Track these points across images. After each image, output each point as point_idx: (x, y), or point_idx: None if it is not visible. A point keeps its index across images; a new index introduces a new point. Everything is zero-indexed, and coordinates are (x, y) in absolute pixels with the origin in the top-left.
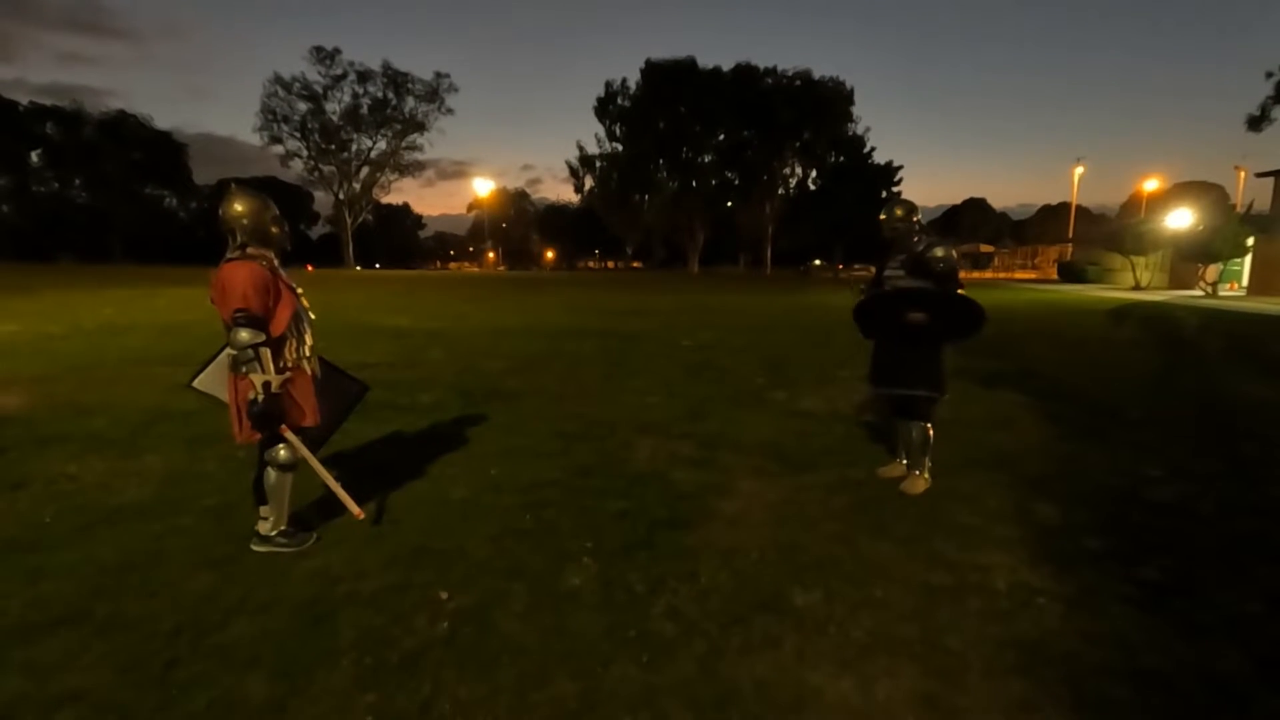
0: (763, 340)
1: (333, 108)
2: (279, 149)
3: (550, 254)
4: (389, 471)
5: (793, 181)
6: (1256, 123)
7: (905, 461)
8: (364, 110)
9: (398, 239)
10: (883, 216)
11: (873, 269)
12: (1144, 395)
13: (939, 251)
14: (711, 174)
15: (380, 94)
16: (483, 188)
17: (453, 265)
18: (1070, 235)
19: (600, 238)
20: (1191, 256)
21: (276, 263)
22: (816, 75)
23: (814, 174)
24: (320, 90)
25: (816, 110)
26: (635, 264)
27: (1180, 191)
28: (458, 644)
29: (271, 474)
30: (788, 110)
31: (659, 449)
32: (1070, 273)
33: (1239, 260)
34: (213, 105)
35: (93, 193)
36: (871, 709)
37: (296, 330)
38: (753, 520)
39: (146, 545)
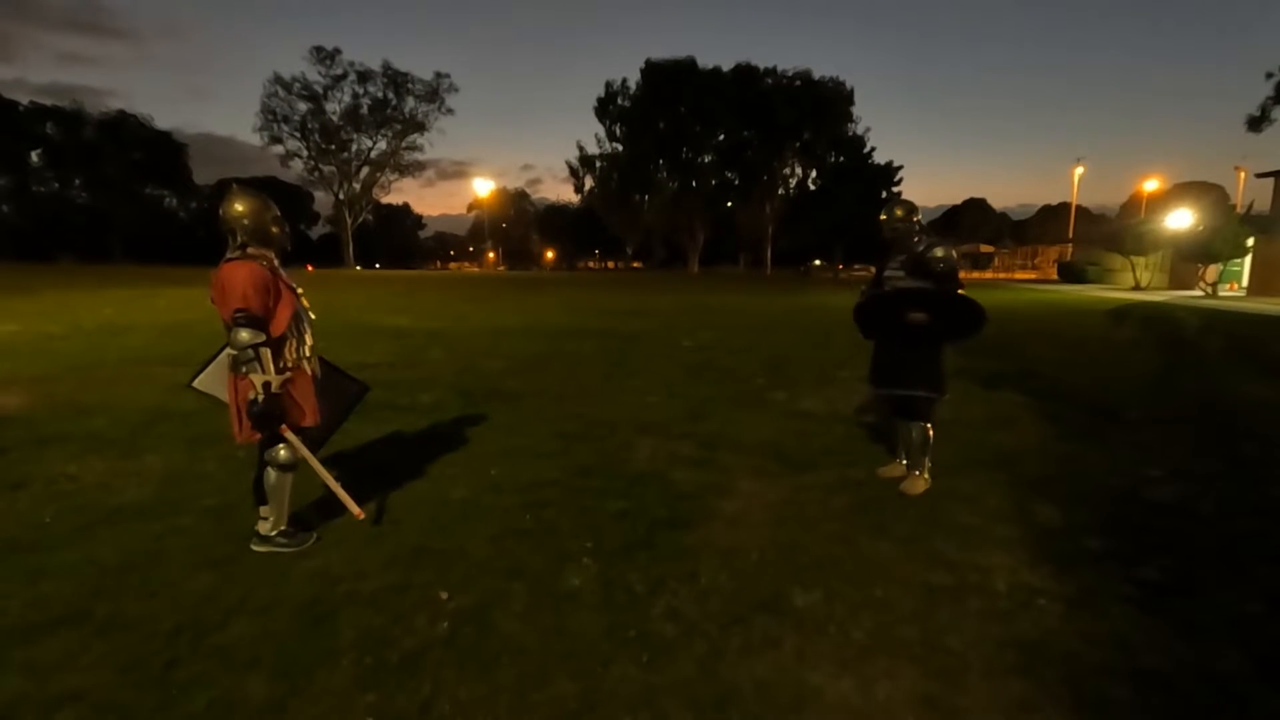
0: (763, 340)
1: (333, 108)
2: (279, 149)
3: (550, 254)
4: (389, 471)
5: (793, 181)
6: (1256, 123)
7: (905, 462)
8: (364, 110)
9: (398, 239)
10: (883, 217)
11: (873, 269)
12: (1144, 395)
13: (939, 252)
14: (711, 174)
15: (380, 94)
16: (483, 188)
17: (453, 265)
18: (1070, 235)
19: (600, 238)
20: (1191, 257)
21: (277, 263)
22: (816, 75)
23: (814, 174)
24: (320, 90)
25: (816, 110)
26: (635, 264)
27: (1180, 192)
28: (458, 644)
29: (271, 474)
30: (788, 110)
31: (659, 449)
32: (1070, 273)
33: (1239, 261)
34: (213, 105)
35: (93, 193)
36: (871, 709)
37: (297, 330)
38: (753, 520)
39: (146, 545)
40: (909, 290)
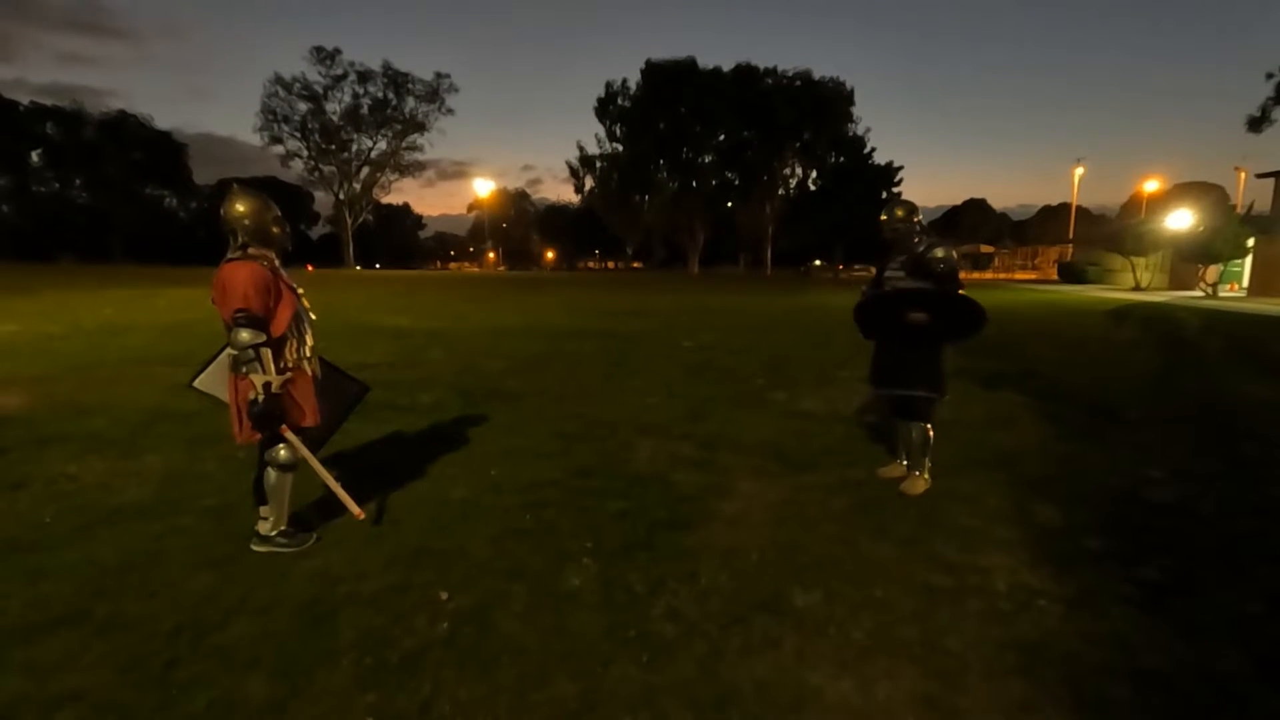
0: (763, 341)
1: (333, 108)
2: (279, 149)
3: (550, 254)
4: (389, 472)
5: (793, 182)
6: (1257, 124)
7: (905, 462)
8: (364, 110)
9: (398, 239)
10: (883, 217)
11: (873, 269)
12: (1144, 396)
13: (939, 252)
14: (712, 174)
15: (380, 94)
16: (483, 188)
17: (453, 265)
18: (1070, 236)
19: (600, 238)
20: (1192, 257)
21: (277, 263)
22: (817, 75)
23: (814, 174)
24: (320, 90)
25: (817, 110)
26: (635, 264)
27: (1180, 192)
28: (458, 644)
29: (272, 474)
30: (788, 110)
31: (659, 449)
32: (1070, 273)
33: (1239, 261)
34: (213, 105)
35: (93, 193)
36: (871, 710)
37: (297, 330)
38: (753, 521)
39: (146, 545)
40: (909, 290)
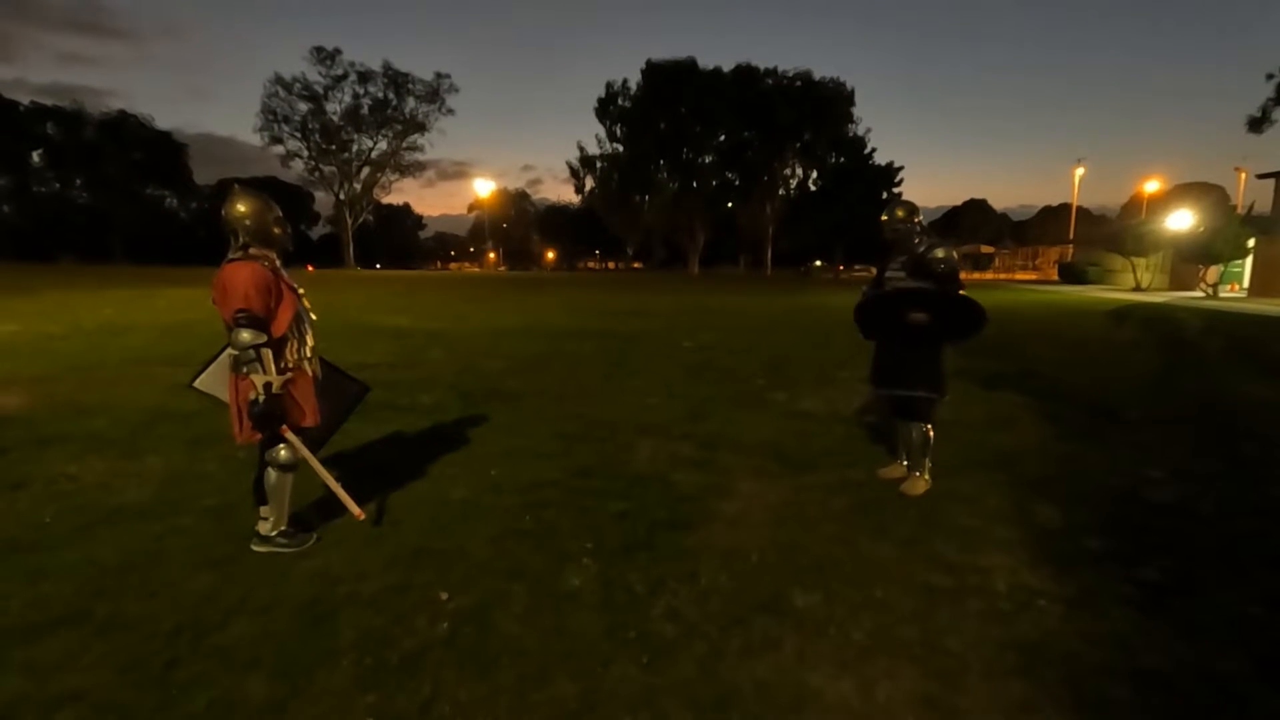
0: (763, 341)
1: (333, 108)
2: (279, 149)
3: (551, 254)
4: (389, 472)
5: (793, 182)
6: (1257, 124)
7: (905, 462)
8: (364, 110)
9: (398, 239)
10: (884, 218)
11: (873, 270)
12: (1144, 396)
13: (940, 252)
14: (712, 174)
15: (381, 94)
16: (483, 188)
17: (453, 266)
18: (1071, 236)
19: (601, 238)
20: (1192, 258)
21: (278, 263)
22: (817, 76)
23: (814, 175)
24: (321, 90)
25: (817, 111)
26: (635, 264)
27: (1181, 193)
28: (458, 645)
29: (272, 474)
30: (788, 111)
31: (659, 450)
32: (1071, 274)
33: (1240, 261)
34: (213, 105)
35: (93, 193)
36: (872, 710)
37: (298, 331)
38: (753, 521)
39: (146, 545)
40: (910, 290)
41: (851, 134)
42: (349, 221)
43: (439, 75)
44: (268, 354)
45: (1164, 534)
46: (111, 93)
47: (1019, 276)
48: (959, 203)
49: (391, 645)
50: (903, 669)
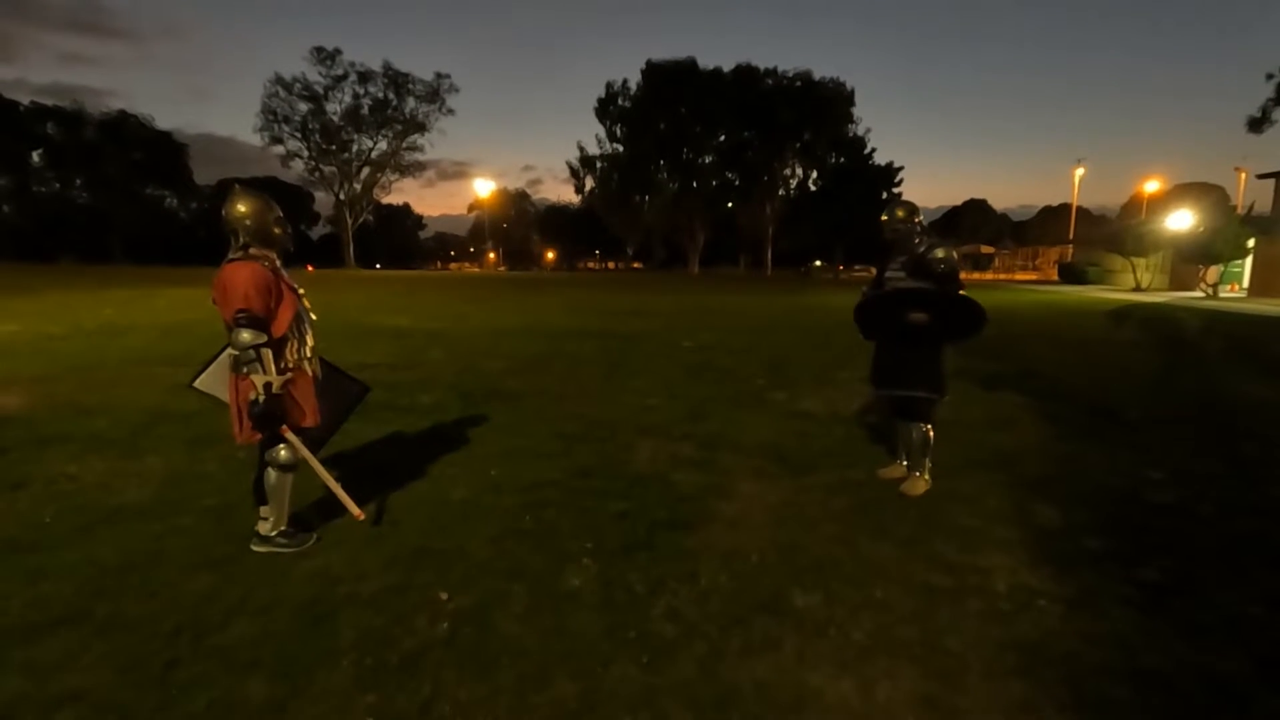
0: (763, 341)
1: (333, 108)
2: (280, 149)
3: (551, 254)
4: (389, 472)
5: (793, 182)
6: (1257, 124)
7: (905, 463)
8: (365, 110)
9: (398, 239)
10: (884, 218)
11: (873, 270)
12: (1144, 396)
13: (940, 253)
14: (712, 175)
15: (381, 94)
16: (483, 188)
17: (453, 266)
18: (1071, 236)
19: (601, 238)
20: (1192, 258)
21: (279, 263)
22: (817, 76)
23: (814, 175)
24: (321, 91)
25: (817, 111)
26: (635, 265)
27: (1181, 193)
28: (458, 645)
29: (272, 474)
30: (788, 111)
31: (659, 450)
32: (1071, 274)
33: (1240, 262)
34: (213, 106)
35: (93, 193)
36: (872, 710)
37: (298, 331)
38: (753, 522)
39: (146, 545)
40: (910, 290)
41: (851, 134)
42: (349, 221)
43: (439, 75)
44: (268, 354)
45: (1164, 534)
46: (111, 93)
47: (1019, 277)
48: (959, 203)
49: (391, 645)
50: (903, 669)
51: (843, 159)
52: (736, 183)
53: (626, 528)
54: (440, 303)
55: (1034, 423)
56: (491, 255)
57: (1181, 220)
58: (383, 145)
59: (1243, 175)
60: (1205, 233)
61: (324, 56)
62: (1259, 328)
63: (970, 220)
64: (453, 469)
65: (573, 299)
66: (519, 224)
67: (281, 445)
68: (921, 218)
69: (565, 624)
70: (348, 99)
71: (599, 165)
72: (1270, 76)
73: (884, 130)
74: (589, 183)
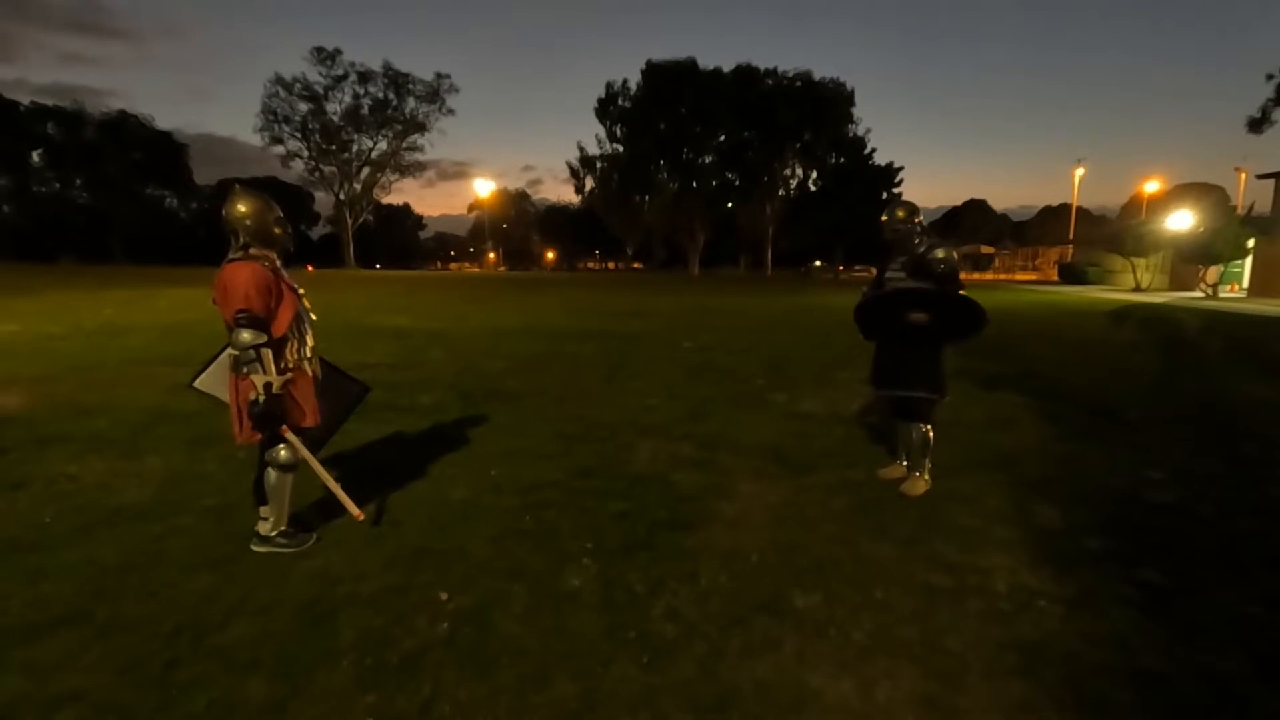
0: (763, 342)
1: (333, 108)
2: (280, 149)
3: (551, 255)
4: (389, 472)
5: (793, 183)
6: (1257, 124)
7: (905, 463)
8: (365, 111)
9: (398, 239)
10: (884, 218)
11: (873, 270)
12: (1144, 396)
13: (940, 253)
14: (712, 175)
15: (381, 94)
16: (483, 188)
17: (453, 266)
18: (1071, 237)
19: (600, 238)
20: (1192, 258)
21: (279, 263)
22: (817, 76)
23: (814, 175)
24: (321, 91)
25: (817, 111)
26: (635, 265)
27: (1181, 193)
28: (458, 645)
29: (272, 474)
30: (788, 111)
31: (659, 450)
32: (1071, 274)
33: (1239, 262)
34: (213, 106)
35: (93, 193)
36: (872, 710)
37: (298, 331)
38: (753, 522)
39: (146, 546)
40: (910, 290)
41: (851, 134)
42: (349, 221)
43: (439, 75)
44: (268, 354)
45: (1164, 534)
46: (112, 93)
47: (1019, 277)
48: (959, 203)
49: (391, 645)
50: (903, 669)
51: (843, 159)
52: (736, 183)
53: (626, 528)
54: (440, 303)
55: (1034, 423)
56: (491, 255)
57: (1181, 220)
58: (383, 145)
59: (1242, 175)
60: (1205, 233)
61: (324, 57)
62: (1259, 328)
63: (970, 220)
64: (453, 469)
65: (573, 299)
66: (519, 224)
67: (281, 445)
68: (921, 218)
69: (565, 624)
70: (348, 99)
71: (599, 165)
72: (1270, 77)
73: (884, 130)
74: (589, 183)
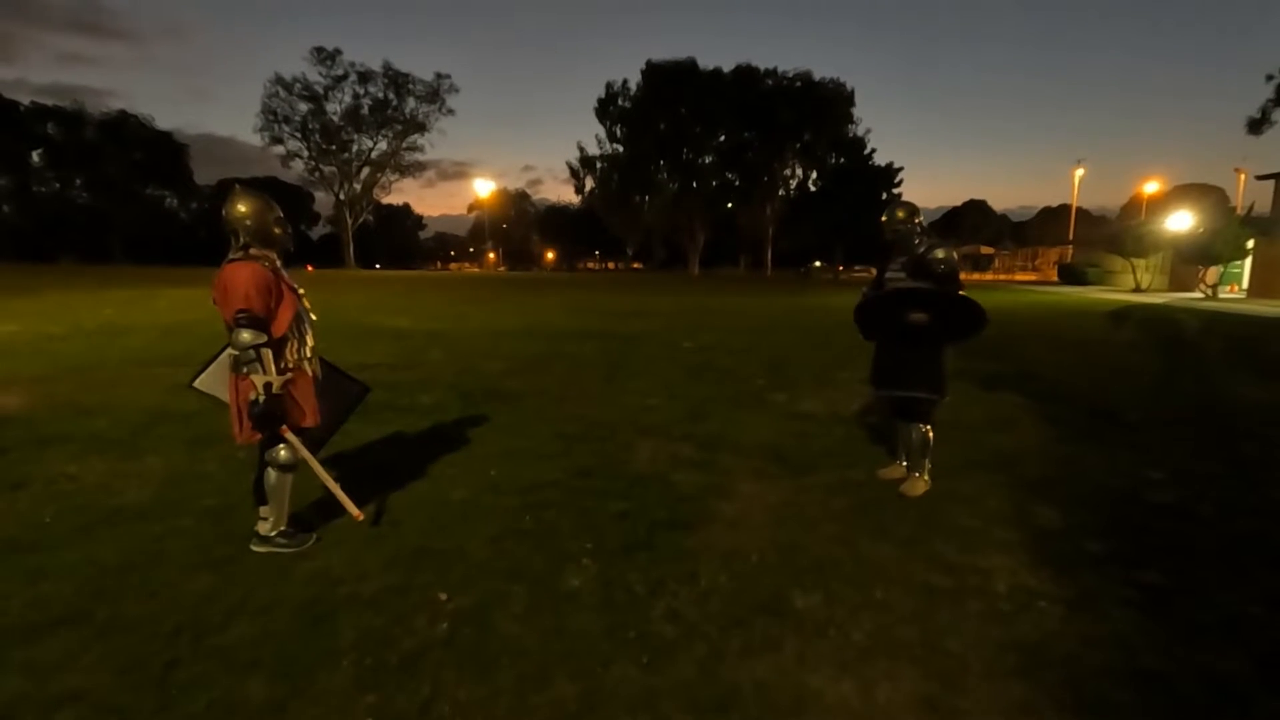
0: (763, 342)
1: (333, 108)
2: (280, 149)
3: (550, 255)
4: (389, 472)
5: (793, 183)
6: (1257, 125)
7: (905, 463)
8: (365, 111)
9: (398, 239)
10: (884, 218)
11: (873, 270)
12: (1144, 397)
13: (940, 253)
14: (712, 175)
15: (381, 94)
16: (483, 188)
17: (453, 266)
18: (1070, 237)
19: (600, 239)
20: (1192, 259)
21: (279, 263)
22: (817, 77)
23: (814, 175)
24: (321, 91)
25: (817, 112)
26: (635, 265)
27: (1180, 194)
28: (457, 645)
29: (272, 474)
30: (788, 111)
31: (659, 450)
32: (1070, 275)
33: (1239, 263)
34: (214, 106)
35: (94, 193)
36: (872, 711)
37: (298, 331)
38: (753, 522)
39: (146, 546)
40: (910, 290)
41: (851, 135)
42: (349, 221)
43: (439, 75)
44: (268, 354)
45: (1164, 535)
46: (112, 93)
47: (1018, 277)
48: (959, 203)
49: (391, 646)
50: (903, 670)
51: (843, 159)
52: (736, 183)
53: (626, 528)
54: (440, 303)
55: (1034, 423)
56: (491, 255)
57: (1181, 221)
58: (383, 145)
59: (1242, 176)
60: (1205, 234)
61: (324, 57)
62: (1258, 329)
63: (970, 221)
64: (453, 469)
65: (573, 299)
66: (519, 224)
67: (281, 445)
68: (921, 218)
69: (565, 624)
70: (348, 99)
71: (599, 165)
72: (1270, 78)
73: (884, 131)
74: (589, 183)
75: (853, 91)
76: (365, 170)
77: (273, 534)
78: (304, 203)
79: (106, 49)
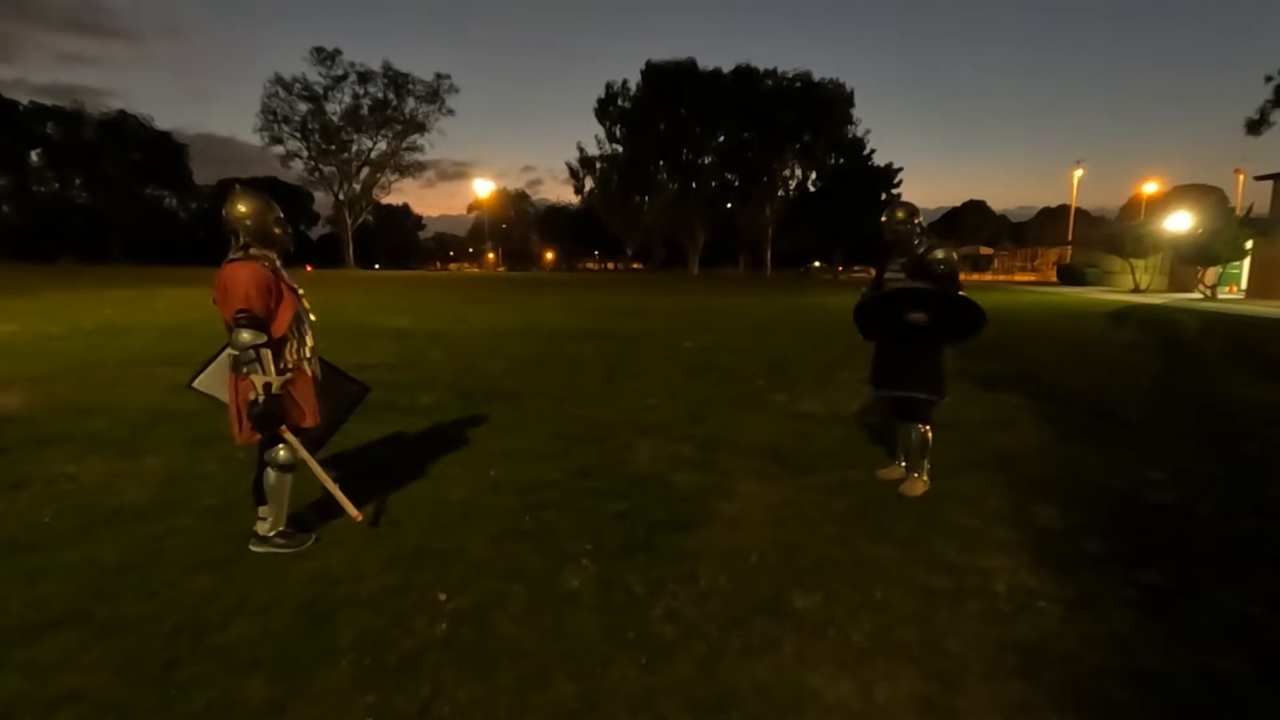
0: (763, 342)
1: (333, 108)
2: (279, 149)
3: (550, 255)
4: (389, 472)
5: (793, 183)
6: (1256, 126)
7: (905, 464)
8: (364, 111)
9: (398, 239)
10: (884, 219)
11: (873, 271)
12: (1143, 397)
13: (940, 253)
14: (711, 175)
15: (381, 95)
16: (483, 189)
17: (452, 266)
18: (1070, 238)
19: (600, 239)
20: (1191, 259)
21: (279, 263)
22: (816, 77)
23: (814, 176)
24: (321, 91)
25: (816, 112)
26: (635, 265)
27: (1180, 194)
28: (457, 645)
29: (271, 474)
30: (788, 112)
31: (659, 451)
32: (1070, 275)
33: (1238, 263)
34: (213, 106)
35: (93, 193)
36: (871, 711)
37: (297, 331)
38: (752, 522)
39: (146, 546)
40: (909, 290)
41: (851, 135)
42: (349, 222)
43: (439, 76)
44: (267, 354)
45: (1164, 535)
46: (111, 93)
47: (1018, 278)
48: (958, 204)
49: (390, 646)
50: (902, 670)
51: (842, 160)
52: (736, 183)
53: (626, 528)
54: (440, 303)
55: (1033, 424)
56: (491, 256)
57: (1180, 222)
58: (382, 145)
59: (1241, 177)
60: (1204, 234)
61: (324, 57)
62: (1257, 329)
63: (969, 221)
64: (453, 469)
65: (572, 300)
66: (519, 224)
67: (281, 445)
68: (921, 219)
69: (564, 624)
70: (347, 99)
71: (599, 166)
72: (1269, 79)
73: (883, 131)
74: (589, 183)
75: (852, 92)
76: (365, 170)
77: (271, 534)
78: (303, 203)
79: (106, 49)
